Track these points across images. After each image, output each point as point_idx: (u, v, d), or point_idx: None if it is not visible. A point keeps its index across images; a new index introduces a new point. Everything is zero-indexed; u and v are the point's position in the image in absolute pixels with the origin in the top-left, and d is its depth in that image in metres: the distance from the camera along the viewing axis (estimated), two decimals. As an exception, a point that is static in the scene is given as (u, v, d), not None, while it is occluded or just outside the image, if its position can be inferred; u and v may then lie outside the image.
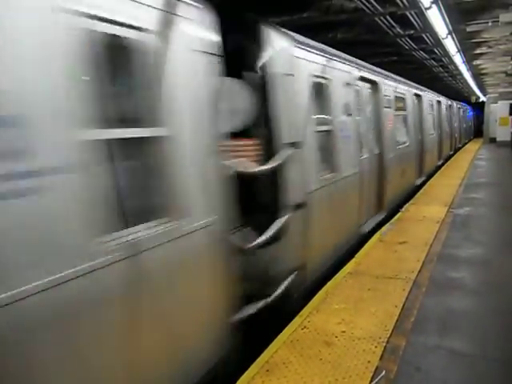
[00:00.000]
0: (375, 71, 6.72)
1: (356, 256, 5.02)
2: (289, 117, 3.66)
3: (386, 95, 7.07)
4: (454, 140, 17.41)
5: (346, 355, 2.92)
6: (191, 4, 2.57)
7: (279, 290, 3.45)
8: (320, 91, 4.55)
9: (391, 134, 7.25)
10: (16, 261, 1.56)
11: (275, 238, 3.35)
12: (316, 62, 4.45)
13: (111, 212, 2.00)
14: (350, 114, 5.26)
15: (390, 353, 2.93)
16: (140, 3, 2.18)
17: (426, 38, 9.14)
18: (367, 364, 2.80)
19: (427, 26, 7.52)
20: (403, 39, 9.17)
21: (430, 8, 5.74)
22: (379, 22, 7.40)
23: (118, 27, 2.08)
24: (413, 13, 7.03)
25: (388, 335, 3.16)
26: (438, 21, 6.72)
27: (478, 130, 29.74)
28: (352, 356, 2.90)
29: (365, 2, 6.06)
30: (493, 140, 21.84)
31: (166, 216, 2.33)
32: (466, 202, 7.86)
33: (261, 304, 3.21)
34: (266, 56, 3.43)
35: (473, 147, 21.84)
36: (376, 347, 3.00)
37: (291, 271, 3.69)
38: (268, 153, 3.47)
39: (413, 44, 9.83)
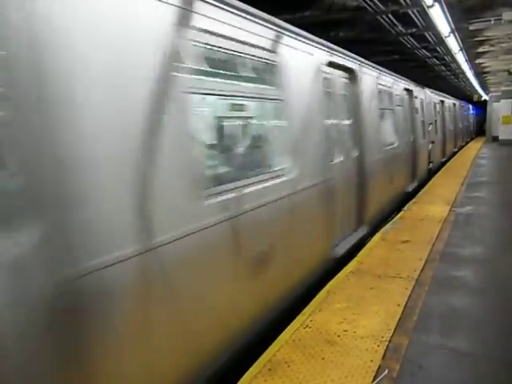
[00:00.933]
0: (353, 58, 5.67)
1: (358, 255, 5.01)
2: None
3: (367, 87, 6.09)
4: (450, 143, 16.65)
5: (348, 354, 2.91)
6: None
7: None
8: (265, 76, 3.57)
9: (374, 134, 6.31)
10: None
11: None
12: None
13: None
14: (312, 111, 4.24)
15: (393, 352, 2.92)
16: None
17: (428, 36, 9.12)
18: (370, 363, 2.80)
19: (429, 25, 7.50)
20: (405, 37, 9.16)
21: (432, 6, 5.72)
22: (381, 20, 7.38)
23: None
24: (415, 11, 7.02)
25: (390, 334, 3.15)
26: (440, 19, 6.71)
27: (480, 129, 29.71)
28: (354, 355, 2.90)
29: (367, 0, 6.03)
30: (495, 138, 21.79)
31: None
32: (469, 201, 7.84)
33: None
34: None
35: (475, 146, 21.79)
36: (378, 346, 3.00)
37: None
38: None
39: (415, 42, 9.82)
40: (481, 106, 29.55)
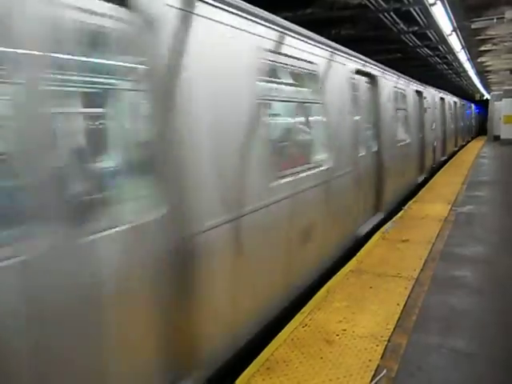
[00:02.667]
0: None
1: (358, 254, 5.00)
2: None
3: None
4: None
5: (346, 354, 2.91)
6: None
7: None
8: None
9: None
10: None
11: None
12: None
13: None
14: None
15: (392, 351, 2.91)
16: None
17: (430, 34, 9.08)
18: (368, 363, 2.79)
19: (431, 23, 7.46)
20: (407, 36, 9.12)
21: (434, 4, 5.68)
22: (383, 18, 7.34)
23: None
24: (417, 9, 6.97)
25: (389, 334, 3.14)
26: (442, 17, 6.67)
27: (482, 128, 29.62)
28: (353, 355, 2.89)
29: (369, -3, 6.00)
30: (497, 138, 21.72)
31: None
32: (469, 200, 7.82)
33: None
34: None
35: (476, 145, 21.74)
36: (377, 346, 2.99)
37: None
38: None
39: (417, 41, 9.77)
40: (483, 105, 29.47)
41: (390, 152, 6.84)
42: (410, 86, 9.04)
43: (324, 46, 4.59)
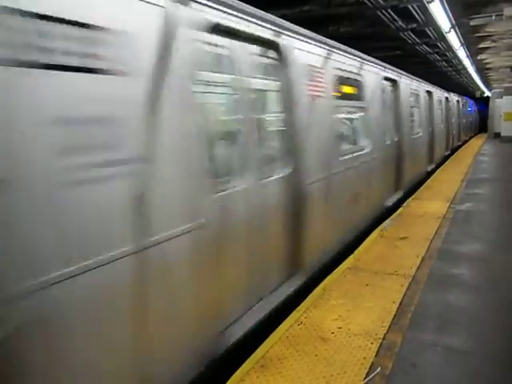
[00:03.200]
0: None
1: (355, 252, 4.99)
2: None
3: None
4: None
5: (341, 351, 2.91)
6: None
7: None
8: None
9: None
10: None
11: None
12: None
13: None
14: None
15: (386, 349, 2.91)
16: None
17: (428, 31, 9.05)
18: (363, 360, 2.79)
19: (430, 20, 7.43)
20: (406, 33, 9.09)
21: (432, 1, 5.66)
22: (381, 15, 7.31)
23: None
24: (415, 6, 6.94)
25: (385, 331, 3.14)
26: (440, 14, 6.64)
27: (482, 125, 29.54)
28: (347, 352, 2.89)
29: (366, -5, 5.97)
30: (497, 135, 21.66)
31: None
32: (468, 198, 7.80)
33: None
34: None
35: (477, 142, 21.69)
36: (372, 343, 2.98)
37: None
38: None
39: (416, 38, 9.74)
40: (484, 103, 29.38)
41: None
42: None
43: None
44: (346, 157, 5.03)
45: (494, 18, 7.71)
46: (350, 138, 5.89)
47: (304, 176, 3.84)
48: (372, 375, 2.62)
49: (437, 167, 11.89)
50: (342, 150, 4.99)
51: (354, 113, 6.14)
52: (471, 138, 24.24)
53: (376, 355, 2.84)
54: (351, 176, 5.12)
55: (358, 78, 5.70)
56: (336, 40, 5.19)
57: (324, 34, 4.95)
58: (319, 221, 4.20)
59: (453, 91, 17.19)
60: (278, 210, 3.64)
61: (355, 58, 5.63)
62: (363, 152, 5.72)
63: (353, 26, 8.49)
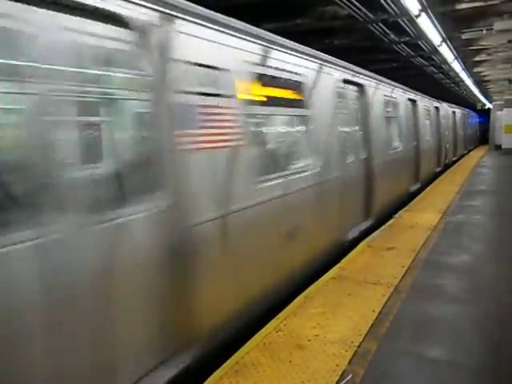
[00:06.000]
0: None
1: (342, 261, 5.04)
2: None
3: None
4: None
5: (315, 358, 2.95)
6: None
7: None
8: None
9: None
10: None
11: None
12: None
13: None
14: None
15: (360, 357, 2.95)
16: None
17: (421, 44, 9.17)
18: (335, 367, 2.83)
19: (421, 33, 7.55)
20: (399, 46, 9.22)
21: (419, 16, 5.77)
22: (373, 29, 7.44)
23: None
24: (405, 20, 7.07)
25: (361, 340, 3.17)
26: (429, 28, 6.75)
27: (483, 137, 29.59)
28: (321, 359, 2.93)
29: (355, 9, 6.10)
30: (498, 147, 21.71)
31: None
32: (461, 210, 7.83)
33: None
34: None
35: (477, 154, 21.71)
36: (347, 351, 3.02)
37: None
38: None
39: (409, 51, 9.88)
40: (485, 115, 29.48)
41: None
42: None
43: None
44: (271, 182, 3.92)
45: (484, 32, 7.83)
46: (278, 158, 4.78)
47: (184, 213, 2.72)
48: (343, 382, 2.66)
49: (424, 187, 10.73)
50: (261, 174, 3.78)
51: (288, 124, 5.15)
52: (470, 151, 24.21)
53: (349, 363, 2.87)
54: (282, 207, 4.04)
55: (297, 78, 4.58)
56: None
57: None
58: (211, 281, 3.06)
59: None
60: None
61: (292, 52, 4.51)
62: (306, 174, 4.60)
63: (348, 39, 8.63)
